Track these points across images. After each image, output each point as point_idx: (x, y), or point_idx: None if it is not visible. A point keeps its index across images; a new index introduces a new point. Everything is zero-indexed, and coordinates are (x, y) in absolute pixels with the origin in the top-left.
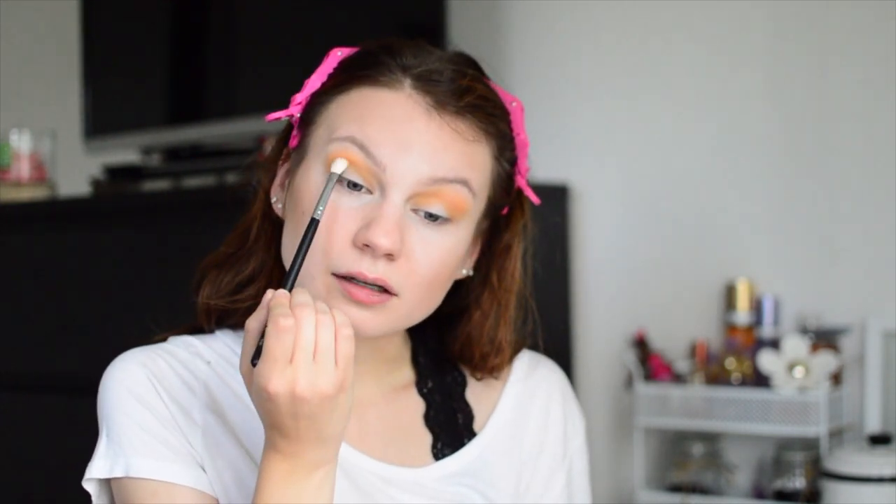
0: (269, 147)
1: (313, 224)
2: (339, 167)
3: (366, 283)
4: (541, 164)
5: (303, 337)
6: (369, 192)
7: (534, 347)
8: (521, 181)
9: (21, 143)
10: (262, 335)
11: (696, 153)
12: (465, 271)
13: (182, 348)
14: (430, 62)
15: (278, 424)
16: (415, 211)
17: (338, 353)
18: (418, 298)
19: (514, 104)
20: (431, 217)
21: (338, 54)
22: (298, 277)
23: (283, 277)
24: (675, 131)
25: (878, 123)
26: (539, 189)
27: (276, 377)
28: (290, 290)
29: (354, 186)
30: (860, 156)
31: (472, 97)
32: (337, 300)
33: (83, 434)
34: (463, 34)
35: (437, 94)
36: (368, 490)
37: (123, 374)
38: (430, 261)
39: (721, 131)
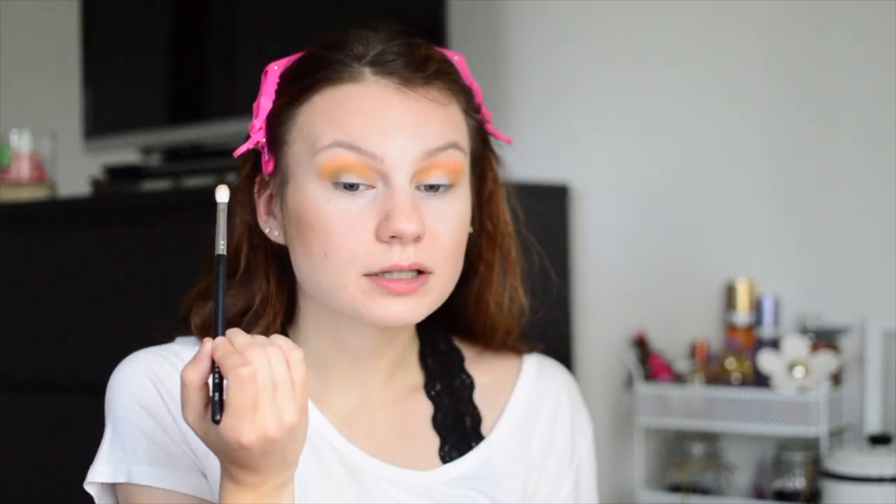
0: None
1: (221, 261)
2: (222, 196)
3: (401, 272)
4: (541, 164)
5: (261, 379)
6: (371, 186)
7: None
8: (489, 127)
9: (21, 143)
10: (215, 388)
11: (696, 153)
12: (470, 229)
13: (189, 349)
14: (377, 45)
15: (246, 465)
16: (418, 188)
17: (293, 381)
18: (450, 269)
19: (456, 58)
20: (434, 188)
21: (275, 69)
22: (323, 293)
23: (289, 305)
24: (675, 131)
25: (879, 124)
26: (539, 189)
27: (248, 429)
28: (222, 334)
29: (351, 187)
30: (860, 156)
31: (435, 63)
32: (376, 299)
33: (83, 434)
34: (463, 34)
35: (401, 73)
36: (373, 491)
37: (129, 379)
38: (450, 230)
39: (721, 131)
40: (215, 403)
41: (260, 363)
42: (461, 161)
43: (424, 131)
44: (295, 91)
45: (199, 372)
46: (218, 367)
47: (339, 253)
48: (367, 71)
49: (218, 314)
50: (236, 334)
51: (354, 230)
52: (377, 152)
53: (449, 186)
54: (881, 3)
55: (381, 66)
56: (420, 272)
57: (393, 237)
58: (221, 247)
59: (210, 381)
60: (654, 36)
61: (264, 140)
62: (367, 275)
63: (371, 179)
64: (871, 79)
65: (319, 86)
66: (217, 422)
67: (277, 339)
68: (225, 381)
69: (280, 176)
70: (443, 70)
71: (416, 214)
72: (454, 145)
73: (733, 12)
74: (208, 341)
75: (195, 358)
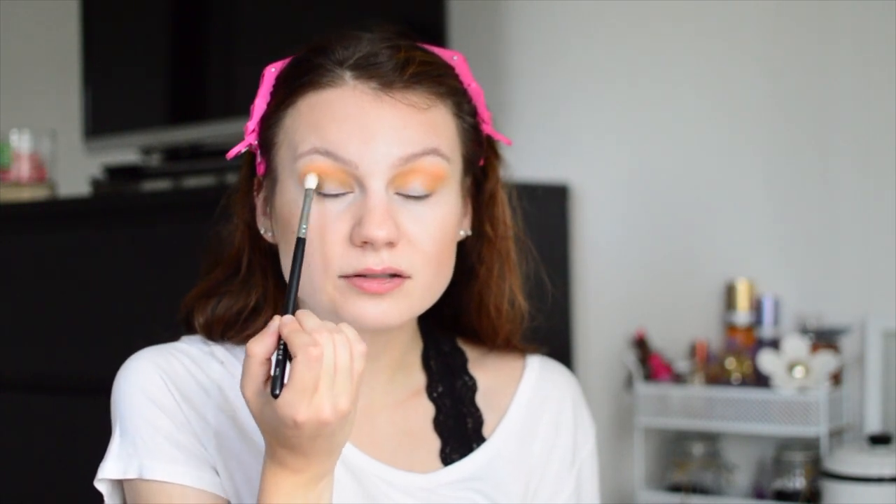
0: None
1: (301, 244)
2: (311, 182)
3: (375, 276)
4: (541, 164)
5: (326, 362)
6: (350, 191)
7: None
8: (487, 129)
9: (21, 143)
10: (278, 363)
11: (696, 153)
12: (463, 232)
13: (196, 347)
14: (362, 48)
15: (294, 446)
16: (398, 193)
17: (353, 371)
18: (431, 275)
19: (455, 58)
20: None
21: (272, 71)
22: (305, 295)
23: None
24: (674, 131)
25: (879, 124)
26: (539, 189)
27: (305, 407)
28: (292, 314)
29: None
30: (860, 156)
31: (415, 66)
32: (351, 299)
33: (83, 434)
34: (463, 34)
35: (379, 77)
36: (374, 493)
37: (137, 375)
38: (430, 236)
39: (721, 131)
40: (276, 378)
41: (327, 346)
42: (442, 167)
43: (401, 137)
44: (282, 95)
45: (265, 346)
46: (283, 345)
47: (316, 256)
48: (347, 75)
49: (291, 293)
50: (306, 316)
51: (329, 234)
52: (352, 159)
53: (430, 192)
54: (881, 5)
55: (361, 70)
56: (397, 276)
57: (365, 243)
58: (303, 230)
59: (274, 356)
60: (654, 36)
61: (256, 142)
62: (342, 276)
63: (348, 185)
64: (870, 79)
65: (303, 90)
66: (276, 396)
67: (345, 328)
68: (290, 359)
69: (271, 178)
70: (425, 73)
71: (388, 220)
72: (434, 151)
73: (734, 13)
74: (277, 318)
75: (262, 332)
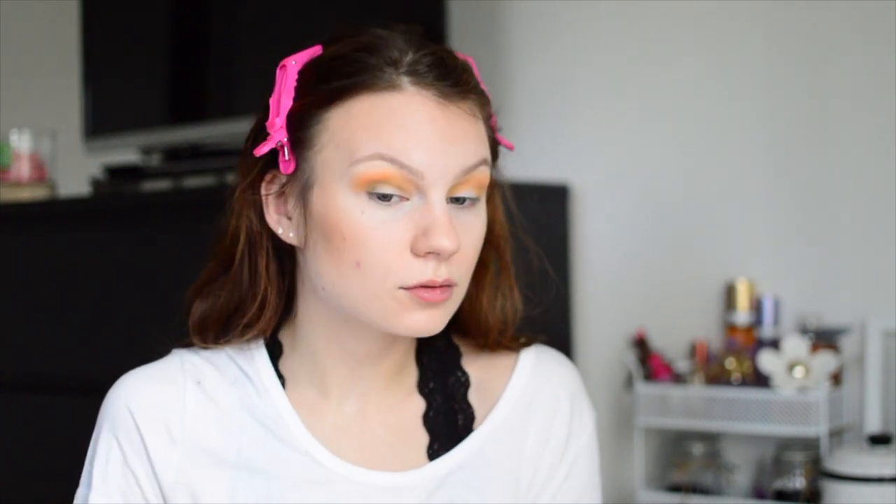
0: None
1: None
2: None
3: (435, 286)
4: (541, 164)
5: None
6: (405, 198)
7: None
8: (496, 134)
9: (21, 143)
10: None
11: (696, 153)
12: None
13: (178, 368)
14: (406, 51)
15: None
16: (448, 202)
17: None
18: (466, 280)
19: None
20: (460, 201)
21: (293, 63)
22: (357, 302)
23: (286, 307)
24: (675, 131)
25: (879, 123)
26: (539, 189)
27: None
28: None
29: (385, 198)
30: (860, 156)
31: (469, 75)
32: (411, 310)
33: (82, 435)
34: (463, 34)
35: (437, 86)
36: (366, 500)
37: (112, 409)
38: (474, 243)
39: (721, 131)
40: None
41: None
42: (488, 176)
43: (462, 148)
44: (326, 93)
45: None
46: None
47: (375, 264)
48: (405, 80)
49: None
50: None
51: (391, 243)
52: (419, 168)
53: (475, 199)
54: (882, 3)
55: (417, 76)
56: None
57: (429, 253)
58: None
59: None
60: (654, 36)
61: (286, 139)
62: (402, 287)
63: (407, 192)
64: (871, 80)
65: (354, 91)
66: None
67: None
68: None
69: (303, 178)
70: (475, 83)
71: (454, 231)
72: (485, 161)
73: (733, 16)
74: None
75: None
